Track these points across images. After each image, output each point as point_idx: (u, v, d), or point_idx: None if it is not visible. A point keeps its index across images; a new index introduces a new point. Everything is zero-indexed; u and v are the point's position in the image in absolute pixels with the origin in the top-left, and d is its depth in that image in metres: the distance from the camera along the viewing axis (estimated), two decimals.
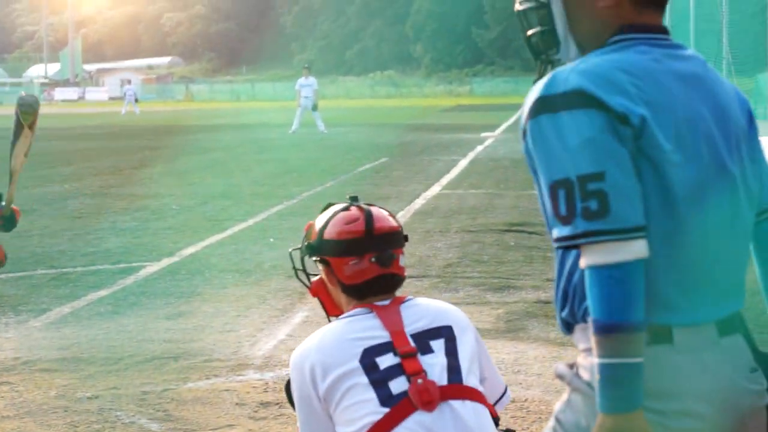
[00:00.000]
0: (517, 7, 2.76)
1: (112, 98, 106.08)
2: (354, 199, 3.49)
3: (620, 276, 2.37)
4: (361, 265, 3.32)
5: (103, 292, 9.54)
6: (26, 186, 18.71)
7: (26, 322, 8.43)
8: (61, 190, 18.43)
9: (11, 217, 5.49)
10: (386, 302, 3.33)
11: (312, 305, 8.82)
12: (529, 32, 2.73)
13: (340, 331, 3.31)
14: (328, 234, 3.40)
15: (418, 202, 15.90)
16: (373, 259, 3.32)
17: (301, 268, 3.61)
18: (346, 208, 3.44)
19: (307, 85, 37.49)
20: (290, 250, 3.54)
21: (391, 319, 3.26)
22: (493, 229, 12.95)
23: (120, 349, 7.60)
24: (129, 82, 75.37)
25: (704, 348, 2.50)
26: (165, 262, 11.07)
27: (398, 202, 15.72)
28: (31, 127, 5.53)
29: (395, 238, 3.41)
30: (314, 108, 36.87)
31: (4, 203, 5.44)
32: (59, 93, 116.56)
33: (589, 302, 2.40)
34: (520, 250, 11.43)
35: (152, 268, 10.74)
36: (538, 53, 2.73)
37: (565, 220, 2.43)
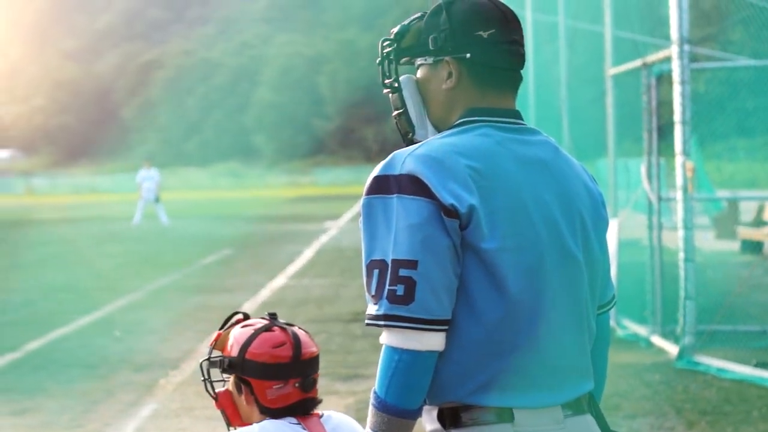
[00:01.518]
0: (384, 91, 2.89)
1: None
2: (274, 317, 3.43)
3: (408, 362, 2.45)
4: (285, 389, 3.29)
5: None
6: None
7: None
8: None
9: None
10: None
11: (160, 399, 8.78)
12: (393, 114, 2.85)
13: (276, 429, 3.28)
14: (252, 354, 3.31)
15: (264, 293, 15.92)
16: (296, 384, 3.29)
17: (207, 378, 3.43)
18: (268, 328, 3.36)
19: (149, 177, 37.29)
20: (201, 360, 3.46)
21: (320, 429, 3.30)
22: (340, 318, 13.06)
23: None
24: None
25: (548, 428, 2.57)
26: (8, 357, 10.88)
27: (244, 294, 15.73)
28: None
29: (317, 362, 3.38)
30: (157, 200, 36.66)
31: None
32: None
33: (377, 375, 2.52)
34: (367, 339, 11.53)
35: None
36: (403, 134, 2.85)
37: (374, 299, 2.53)
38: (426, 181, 2.48)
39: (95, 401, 8.76)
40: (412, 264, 2.45)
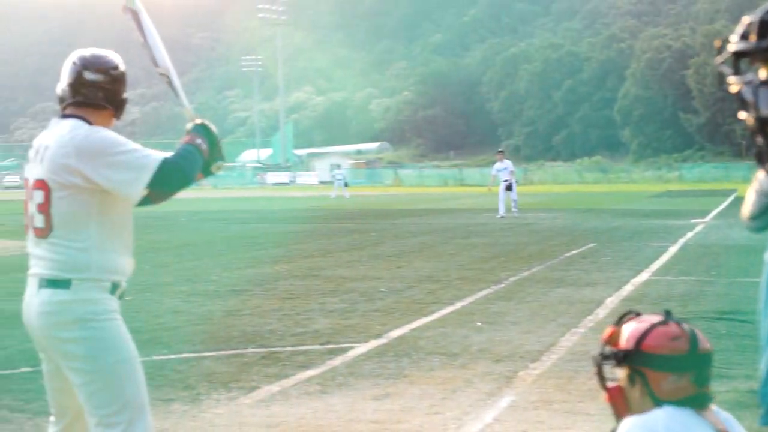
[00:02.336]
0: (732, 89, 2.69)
1: (322, 182, 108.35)
2: (668, 314, 3.46)
3: None
4: (680, 382, 3.32)
5: (311, 372, 9.63)
6: (238, 267, 19.25)
7: (236, 399, 8.58)
8: (272, 271, 18.78)
9: (202, 128, 5.16)
10: None
11: (519, 390, 8.74)
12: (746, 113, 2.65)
13: (678, 417, 3.30)
14: (648, 347, 3.36)
15: (627, 289, 15.63)
16: (691, 378, 3.32)
17: (600, 373, 3.54)
18: (663, 323, 3.40)
19: (503, 168, 37.69)
20: (593, 354, 3.51)
21: (717, 420, 3.33)
22: (704, 317, 12.62)
23: (327, 428, 7.65)
24: (339, 166, 76.79)
25: None
26: (373, 343, 11.13)
27: (606, 288, 15.51)
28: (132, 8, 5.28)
29: (711, 358, 3.40)
30: (509, 188, 37.08)
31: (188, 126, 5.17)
32: (271, 177, 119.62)
33: None
34: (732, 339, 11.10)
35: (360, 349, 10.80)
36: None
37: None
38: None
39: (454, 389, 8.81)
40: None
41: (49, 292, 4.76)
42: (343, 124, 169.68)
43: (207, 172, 5.16)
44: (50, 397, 5.08)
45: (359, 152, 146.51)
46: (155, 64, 5.24)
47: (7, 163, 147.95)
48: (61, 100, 4.99)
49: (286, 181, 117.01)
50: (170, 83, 5.27)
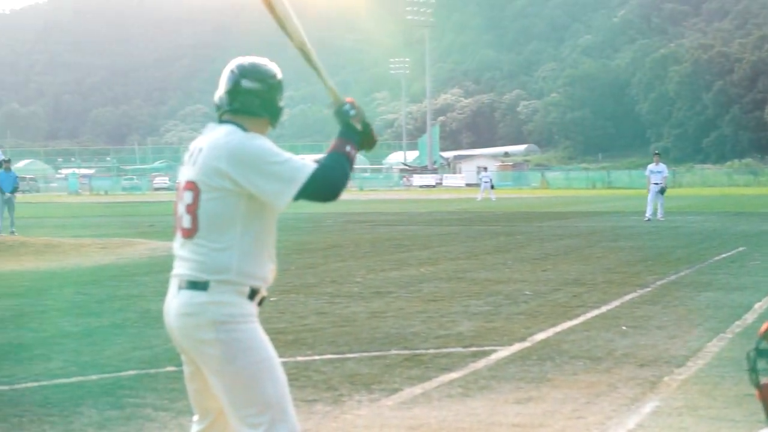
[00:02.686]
0: None
1: (468, 184, 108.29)
2: None
3: None
4: None
5: (453, 375, 9.63)
6: (383, 269, 19.35)
7: (378, 400, 8.62)
8: (417, 273, 18.84)
9: (344, 110, 5.08)
10: None
11: (663, 396, 8.61)
12: None
13: None
14: None
15: None
16: None
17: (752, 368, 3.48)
18: None
19: (657, 171, 37.13)
20: (749, 350, 3.43)
21: None
22: None
23: (468, 431, 7.66)
24: (485, 169, 76.65)
25: None
26: (516, 347, 11.08)
27: (755, 293, 15.19)
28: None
29: None
30: (662, 192, 36.56)
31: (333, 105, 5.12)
32: (417, 179, 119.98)
33: None
34: None
35: (503, 352, 10.77)
36: None
37: None
38: None
39: (598, 394, 8.72)
40: None
41: (188, 293, 4.85)
42: (490, 126, 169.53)
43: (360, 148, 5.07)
44: (191, 398, 5.17)
45: (506, 154, 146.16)
46: (290, 37, 5.18)
47: (157, 164, 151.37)
48: (219, 107, 5.08)
49: (433, 183, 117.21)
50: (309, 60, 5.20)
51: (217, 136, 4.91)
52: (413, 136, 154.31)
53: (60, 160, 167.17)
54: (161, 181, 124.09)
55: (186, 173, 4.98)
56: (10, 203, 31.72)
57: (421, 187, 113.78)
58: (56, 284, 17.77)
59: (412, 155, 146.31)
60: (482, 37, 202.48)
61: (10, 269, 20.75)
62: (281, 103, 5.17)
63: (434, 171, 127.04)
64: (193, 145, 5.04)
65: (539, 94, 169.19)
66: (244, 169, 4.75)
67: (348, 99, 5.06)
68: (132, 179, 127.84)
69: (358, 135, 5.00)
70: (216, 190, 4.80)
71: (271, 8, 5.05)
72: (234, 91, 5.02)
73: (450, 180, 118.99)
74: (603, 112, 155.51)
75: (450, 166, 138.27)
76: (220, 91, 5.06)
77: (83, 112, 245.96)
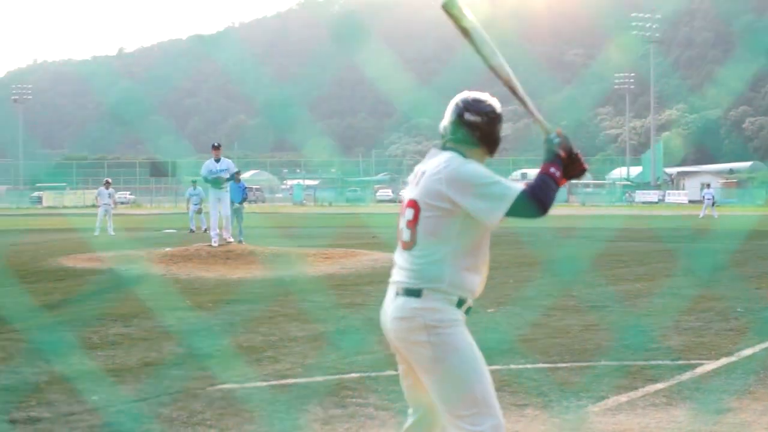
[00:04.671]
0: None
1: (691, 201, 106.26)
2: None
3: None
4: None
5: (659, 385, 10.06)
6: (600, 284, 19.64)
7: (585, 407, 9.15)
8: (633, 288, 19.10)
9: (549, 139, 5.51)
10: None
11: None
12: None
13: None
14: None
15: None
16: None
17: None
18: None
19: None
20: None
21: None
22: None
23: None
24: (708, 185, 75.24)
25: None
26: (722, 361, 11.41)
27: None
28: (462, 26, 5.55)
29: None
30: None
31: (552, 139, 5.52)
32: (640, 195, 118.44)
33: None
34: None
35: (709, 366, 11.11)
36: None
37: None
38: None
39: None
40: None
41: (404, 299, 5.50)
42: (715, 142, 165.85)
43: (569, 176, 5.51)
44: (405, 393, 5.84)
45: (731, 171, 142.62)
46: (496, 74, 5.66)
47: (380, 176, 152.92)
48: (443, 135, 5.71)
49: (655, 199, 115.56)
50: (515, 93, 5.69)
51: (438, 161, 5.57)
52: (637, 152, 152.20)
53: (285, 171, 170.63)
54: (384, 193, 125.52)
55: (409, 192, 5.67)
56: (239, 213, 32.85)
57: (643, 203, 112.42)
58: (283, 291, 18.49)
59: (635, 171, 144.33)
60: (709, 52, 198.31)
61: (240, 277, 21.81)
62: (499, 135, 5.75)
63: (657, 187, 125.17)
64: (418, 168, 5.72)
65: (766, 110, 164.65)
66: (461, 191, 5.37)
67: (557, 130, 5.56)
68: (355, 191, 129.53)
69: (561, 161, 5.49)
70: (435, 209, 5.46)
71: (477, 48, 5.68)
72: (457, 122, 5.65)
73: (673, 196, 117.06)
74: None
75: (673, 183, 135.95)
76: (445, 122, 5.70)
77: (309, 123, 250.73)
